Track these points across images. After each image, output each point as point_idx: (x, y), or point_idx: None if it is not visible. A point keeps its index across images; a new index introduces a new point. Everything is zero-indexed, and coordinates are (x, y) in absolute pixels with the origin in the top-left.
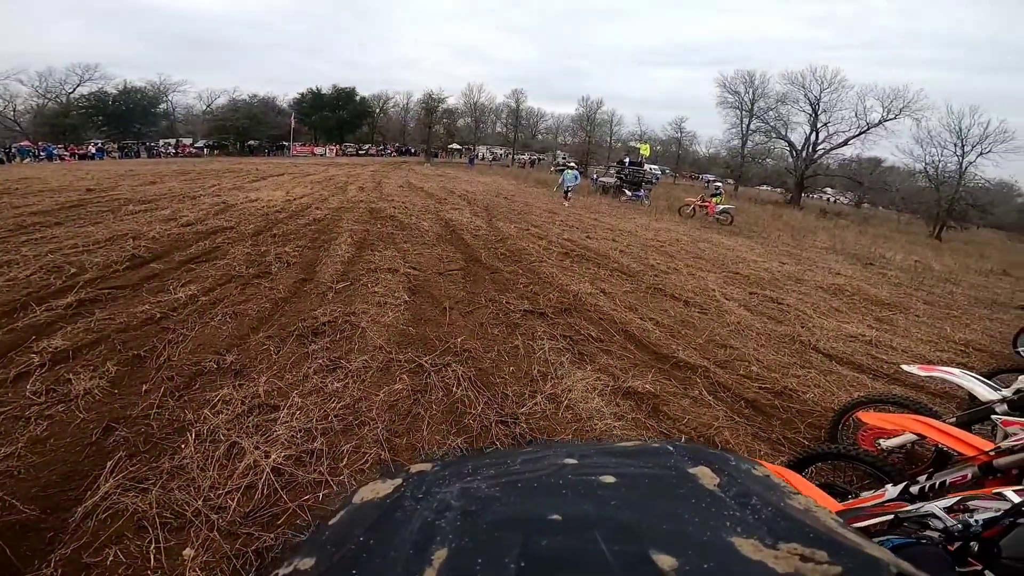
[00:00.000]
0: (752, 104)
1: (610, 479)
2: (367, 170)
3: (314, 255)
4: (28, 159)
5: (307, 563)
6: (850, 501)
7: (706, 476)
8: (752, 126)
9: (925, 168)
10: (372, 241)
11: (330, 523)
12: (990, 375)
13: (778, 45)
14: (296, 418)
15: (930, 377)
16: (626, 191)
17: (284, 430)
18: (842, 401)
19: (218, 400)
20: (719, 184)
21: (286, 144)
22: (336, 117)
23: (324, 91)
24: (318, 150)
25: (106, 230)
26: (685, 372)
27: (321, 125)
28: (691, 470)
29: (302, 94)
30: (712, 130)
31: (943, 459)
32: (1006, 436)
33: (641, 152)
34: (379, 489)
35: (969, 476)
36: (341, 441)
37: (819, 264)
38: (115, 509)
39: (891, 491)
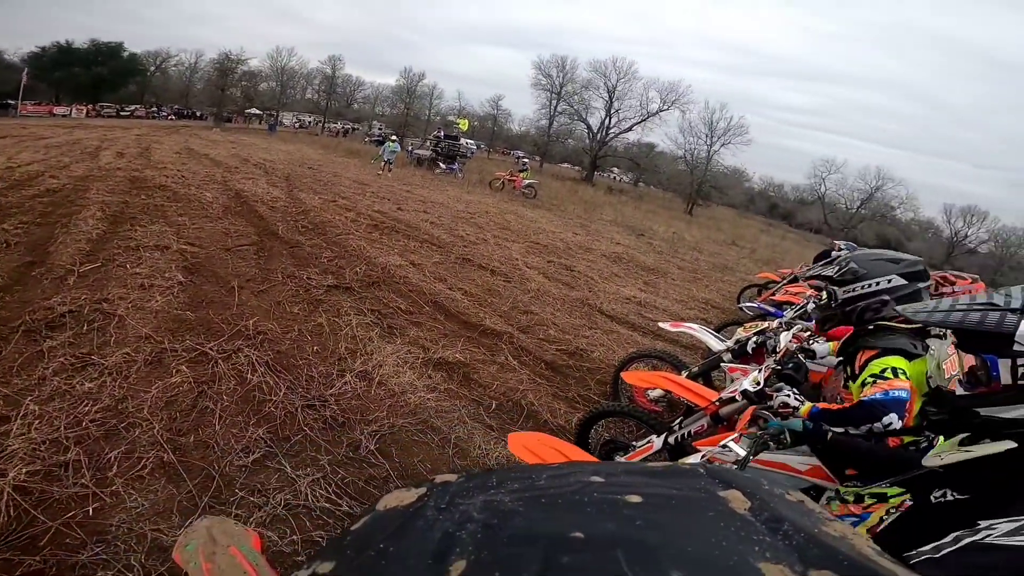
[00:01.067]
0: (561, 87)
1: (636, 499)
2: (130, 134)
3: (47, 233)
4: None
5: (326, 567)
6: (630, 454)
7: (737, 500)
8: (559, 108)
9: (684, 154)
10: (133, 215)
11: (352, 528)
12: (719, 328)
13: (592, 35)
14: (36, 429)
15: (680, 332)
16: (440, 164)
17: (22, 443)
18: (620, 358)
19: None
20: (527, 160)
21: (11, 103)
22: (91, 75)
23: (78, 46)
24: (60, 110)
25: None
26: (492, 339)
27: (68, 84)
28: (721, 493)
29: (43, 48)
30: (525, 109)
31: (690, 409)
32: (731, 382)
33: (459, 126)
34: (403, 497)
35: (705, 425)
36: (105, 448)
37: (604, 235)
38: None
39: (656, 442)
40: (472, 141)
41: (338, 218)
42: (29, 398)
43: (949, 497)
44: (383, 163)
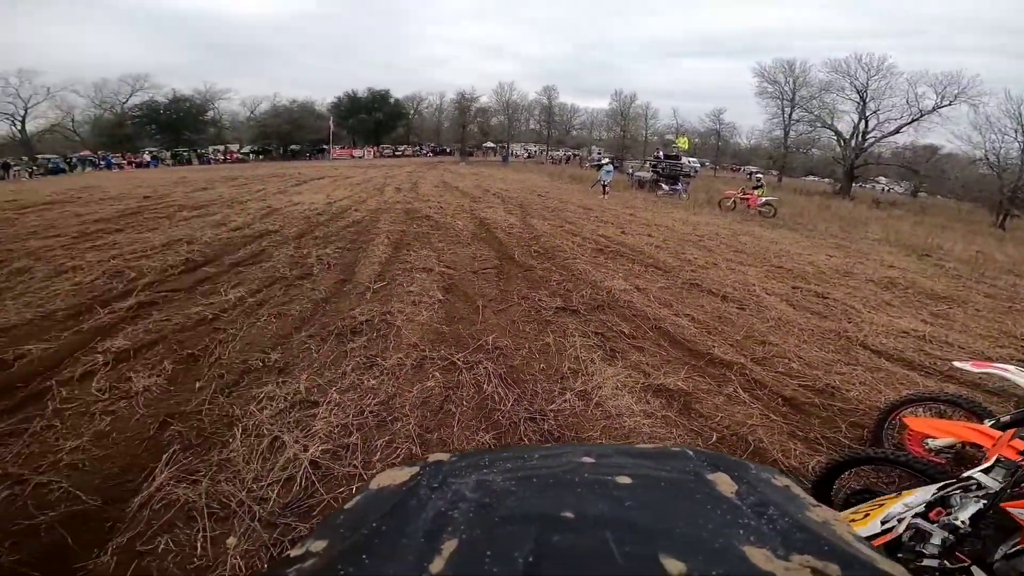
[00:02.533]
0: (793, 93)
1: (626, 480)
2: (403, 171)
3: (353, 256)
4: (89, 168)
5: (319, 545)
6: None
7: (724, 483)
8: (795, 116)
9: (985, 155)
10: (408, 241)
11: (346, 507)
12: None
13: (811, 35)
14: (334, 414)
15: (985, 374)
16: (663, 185)
17: (322, 425)
18: (888, 399)
19: (263, 396)
20: (761, 176)
21: (326, 147)
22: (372, 119)
23: (360, 94)
24: (357, 152)
25: (162, 235)
26: (720, 369)
27: (358, 128)
28: (709, 476)
29: (339, 98)
30: (752, 120)
31: (964, 456)
32: None
33: (679, 145)
34: (396, 476)
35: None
36: (375, 436)
37: (870, 256)
38: (168, 500)
39: (927, 492)
40: (695, 159)
41: (566, 243)
42: (333, 388)
43: None
44: (602, 187)
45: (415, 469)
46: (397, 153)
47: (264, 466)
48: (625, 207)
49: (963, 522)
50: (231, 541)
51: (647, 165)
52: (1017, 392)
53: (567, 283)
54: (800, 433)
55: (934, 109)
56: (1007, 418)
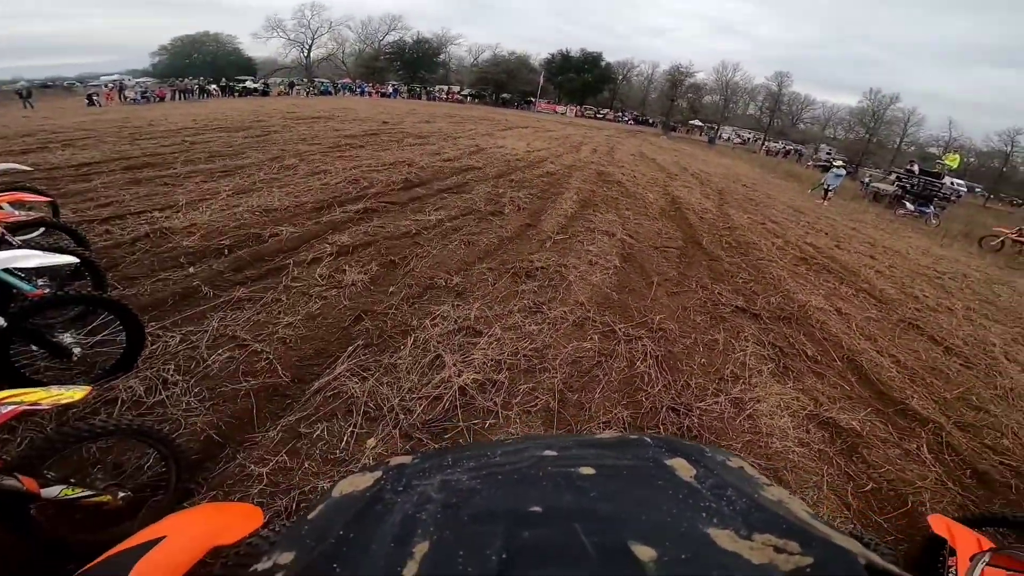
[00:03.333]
0: None
1: (589, 471)
2: (602, 134)
3: (541, 205)
4: (347, 93)
5: (286, 557)
6: None
7: (683, 468)
8: None
9: None
10: (596, 202)
11: (309, 517)
12: None
13: None
14: (492, 348)
15: None
16: (907, 203)
17: (480, 355)
18: None
19: (439, 315)
20: None
21: (533, 100)
22: (581, 79)
23: (572, 54)
24: (560, 108)
25: (392, 156)
26: (910, 423)
27: (566, 86)
28: (668, 462)
29: (552, 55)
30: None
31: None
32: None
33: (946, 163)
34: (358, 483)
35: None
36: (521, 380)
37: None
38: (339, 390)
39: None
40: (963, 182)
41: (763, 242)
42: (499, 324)
43: None
44: (824, 190)
45: (377, 474)
46: (599, 116)
47: (420, 380)
48: (849, 219)
49: None
50: (371, 442)
51: (892, 177)
52: None
53: (754, 284)
54: (973, 506)
55: None
56: None
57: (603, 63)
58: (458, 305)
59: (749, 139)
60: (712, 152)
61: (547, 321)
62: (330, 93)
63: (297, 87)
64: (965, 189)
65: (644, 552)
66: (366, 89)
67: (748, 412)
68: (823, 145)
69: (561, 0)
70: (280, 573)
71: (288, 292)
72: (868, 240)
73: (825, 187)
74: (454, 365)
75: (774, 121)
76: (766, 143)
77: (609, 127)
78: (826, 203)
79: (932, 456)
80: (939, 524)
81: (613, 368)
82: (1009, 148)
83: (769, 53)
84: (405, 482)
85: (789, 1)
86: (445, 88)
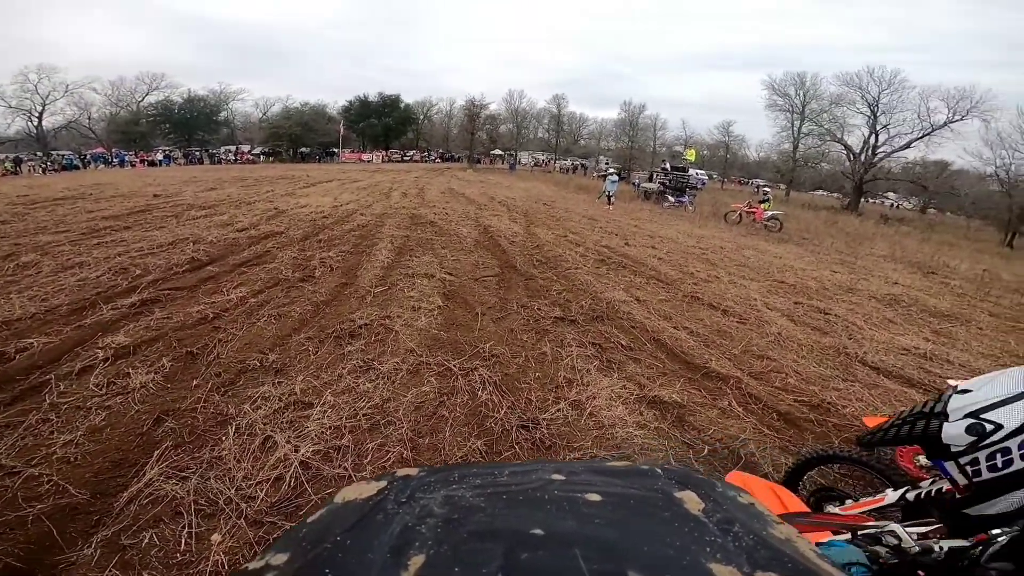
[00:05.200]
0: (803, 107)
1: (596, 497)
2: (411, 176)
3: (355, 260)
4: (102, 165)
5: (280, 559)
6: (847, 505)
7: (692, 501)
8: (804, 129)
9: (996, 172)
10: (411, 247)
11: (309, 520)
12: None
13: (826, 48)
14: (327, 415)
15: None
16: (669, 197)
17: (315, 426)
18: (873, 413)
19: (259, 396)
20: (768, 189)
21: (336, 151)
22: (382, 124)
23: (371, 98)
24: (366, 156)
25: (169, 234)
26: (716, 382)
27: (368, 132)
28: (677, 494)
29: (350, 101)
30: (762, 133)
31: None
32: None
33: (686, 157)
34: (363, 491)
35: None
36: (367, 439)
37: (875, 273)
38: (156, 496)
39: (891, 496)
40: (702, 171)
41: (568, 252)
42: (329, 391)
43: None
44: (607, 197)
45: (382, 483)
46: (406, 158)
47: (255, 465)
48: (630, 218)
49: (940, 548)
50: (216, 537)
51: (654, 176)
52: None
53: (567, 293)
54: (792, 447)
55: (945, 124)
56: None
57: (403, 104)
58: (279, 382)
59: (543, 160)
60: (514, 177)
61: (381, 376)
62: (77, 167)
63: (28, 163)
64: (705, 177)
65: None
66: (126, 158)
67: (588, 411)
68: (602, 157)
69: (350, 45)
70: (271, 573)
71: (57, 410)
72: (648, 233)
73: (607, 194)
74: (288, 443)
75: (560, 140)
76: (556, 162)
77: (417, 168)
78: (611, 208)
79: (742, 408)
80: (735, 479)
81: (457, 403)
82: (727, 138)
83: (547, 78)
84: (409, 494)
85: (556, 31)
86: (233, 148)
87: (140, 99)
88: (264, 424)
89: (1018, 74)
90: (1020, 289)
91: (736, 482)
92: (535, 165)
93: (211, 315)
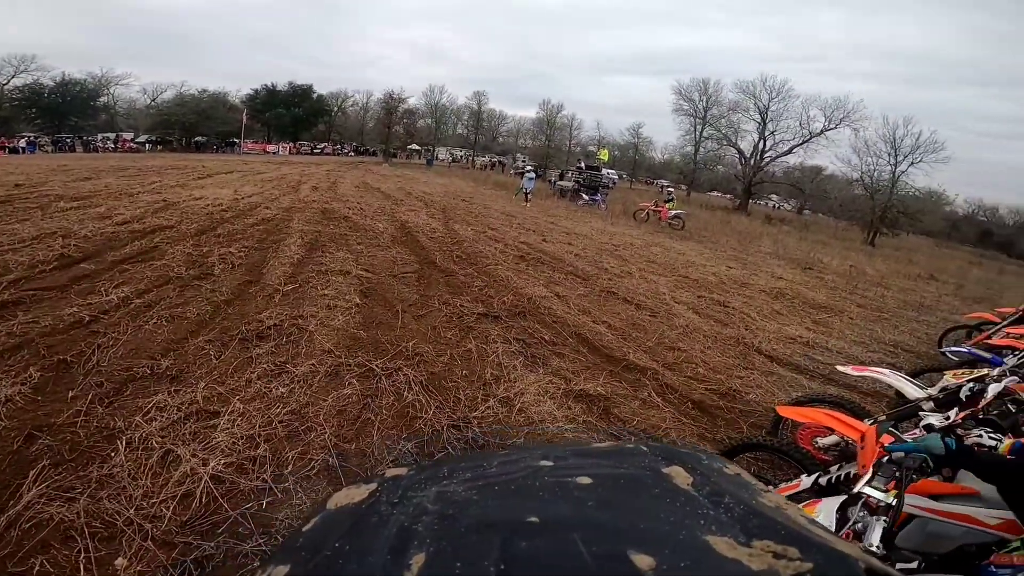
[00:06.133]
0: (705, 112)
1: (586, 480)
2: (322, 169)
3: (261, 256)
4: None
5: (281, 571)
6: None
7: (680, 475)
8: (705, 133)
9: (861, 177)
10: (324, 242)
11: (304, 530)
12: (916, 374)
13: (730, 56)
14: (238, 425)
15: (862, 377)
16: (583, 195)
17: (225, 437)
18: (782, 401)
19: (151, 407)
20: (672, 189)
21: (237, 141)
22: (291, 115)
23: (280, 88)
24: (271, 148)
25: (33, 228)
26: (635, 374)
27: (275, 122)
28: (665, 470)
29: (256, 90)
30: (667, 136)
31: (849, 454)
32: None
33: (600, 157)
34: (354, 495)
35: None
36: (286, 447)
37: (763, 268)
38: (40, 519)
39: (805, 481)
40: (614, 171)
41: (488, 248)
42: (237, 397)
43: None
44: (524, 194)
45: (373, 486)
46: (316, 151)
47: (155, 482)
48: (547, 215)
49: (877, 546)
50: (120, 561)
51: (569, 175)
52: (889, 393)
53: (489, 289)
54: (708, 434)
55: (822, 131)
56: (883, 417)
57: (315, 95)
58: (176, 391)
59: (461, 156)
60: (431, 173)
61: (296, 380)
62: None
63: None
64: (616, 176)
65: (643, 561)
66: None
67: (518, 407)
68: (519, 154)
69: (260, 32)
70: None
71: None
72: (564, 230)
73: (524, 191)
74: (193, 456)
75: (478, 137)
76: (474, 158)
77: (329, 162)
78: (528, 205)
79: (660, 399)
80: None
81: (382, 405)
82: (636, 139)
83: (467, 75)
84: (401, 493)
85: (481, 28)
86: (112, 136)
87: (5, 82)
88: (162, 437)
89: (885, 84)
90: (881, 283)
91: None
92: (453, 161)
93: (87, 318)
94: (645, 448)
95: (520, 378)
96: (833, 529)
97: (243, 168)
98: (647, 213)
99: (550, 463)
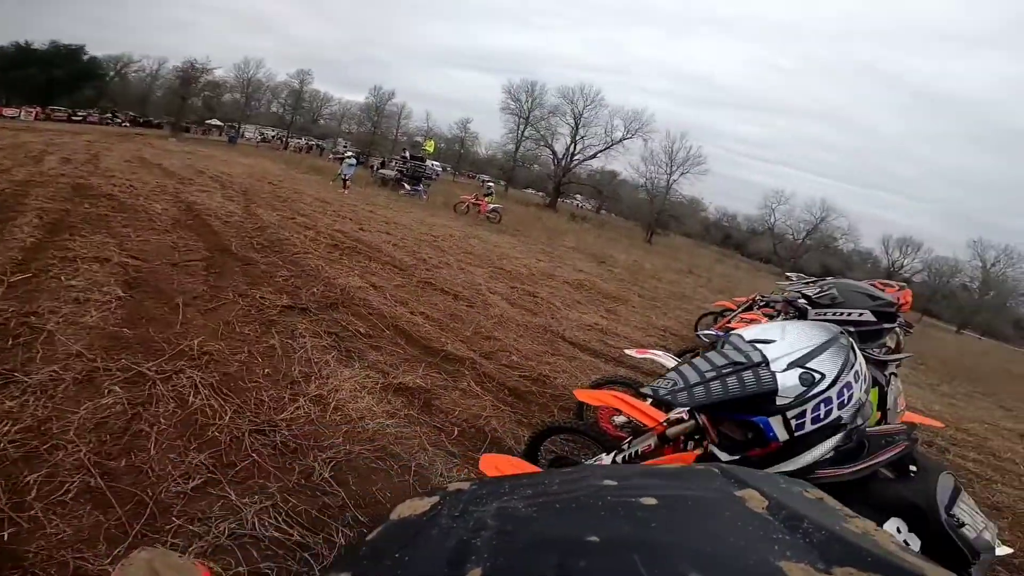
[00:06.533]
0: (529, 112)
1: (651, 501)
2: (80, 139)
3: None
4: None
5: None
6: None
7: (754, 499)
8: (526, 133)
9: (645, 183)
10: (73, 224)
11: (367, 538)
12: (679, 354)
13: (561, 61)
14: None
15: (644, 358)
16: (405, 185)
17: None
18: (583, 384)
19: None
20: (491, 184)
21: None
22: (46, 75)
23: (36, 46)
24: (9, 112)
25: None
26: (454, 365)
27: (23, 84)
28: (738, 493)
29: (2, 47)
30: (493, 133)
31: (639, 430)
32: None
33: (426, 148)
34: (417, 506)
35: (652, 445)
36: (23, 471)
37: (567, 262)
38: None
39: (605, 460)
40: (438, 163)
41: (297, 236)
42: None
43: None
44: (343, 180)
45: (435, 499)
46: (76, 118)
47: None
48: (366, 203)
49: None
50: None
51: (393, 163)
52: (663, 372)
53: (296, 279)
54: (525, 420)
55: (621, 140)
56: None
57: (85, 57)
58: None
59: (273, 137)
60: (234, 152)
61: (28, 390)
62: None
63: None
64: (440, 168)
65: None
66: None
67: (333, 405)
68: (340, 139)
69: None
70: None
71: None
72: (383, 219)
73: (343, 177)
74: None
75: (296, 118)
76: (289, 140)
77: (94, 131)
78: (346, 192)
79: (479, 387)
80: (488, 462)
81: (160, 415)
82: (464, 134)
83: (294, 52)
84: (462, 508)
85: (317, 2)
86: None
87: None
88: None
89: (677, 103)
90: (656, 275)
91: (490, 464)
92: (262, 140)
93: None
94: (717, 470)
95: (334, 374)
96: None
97: None
98: (467, 206)
99: (614, 483)
